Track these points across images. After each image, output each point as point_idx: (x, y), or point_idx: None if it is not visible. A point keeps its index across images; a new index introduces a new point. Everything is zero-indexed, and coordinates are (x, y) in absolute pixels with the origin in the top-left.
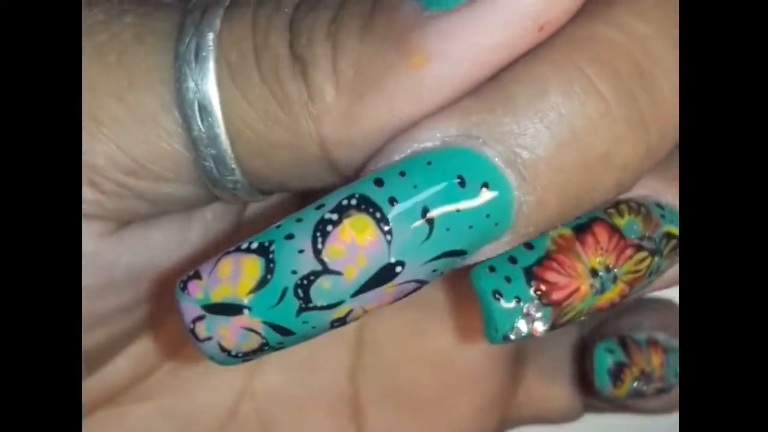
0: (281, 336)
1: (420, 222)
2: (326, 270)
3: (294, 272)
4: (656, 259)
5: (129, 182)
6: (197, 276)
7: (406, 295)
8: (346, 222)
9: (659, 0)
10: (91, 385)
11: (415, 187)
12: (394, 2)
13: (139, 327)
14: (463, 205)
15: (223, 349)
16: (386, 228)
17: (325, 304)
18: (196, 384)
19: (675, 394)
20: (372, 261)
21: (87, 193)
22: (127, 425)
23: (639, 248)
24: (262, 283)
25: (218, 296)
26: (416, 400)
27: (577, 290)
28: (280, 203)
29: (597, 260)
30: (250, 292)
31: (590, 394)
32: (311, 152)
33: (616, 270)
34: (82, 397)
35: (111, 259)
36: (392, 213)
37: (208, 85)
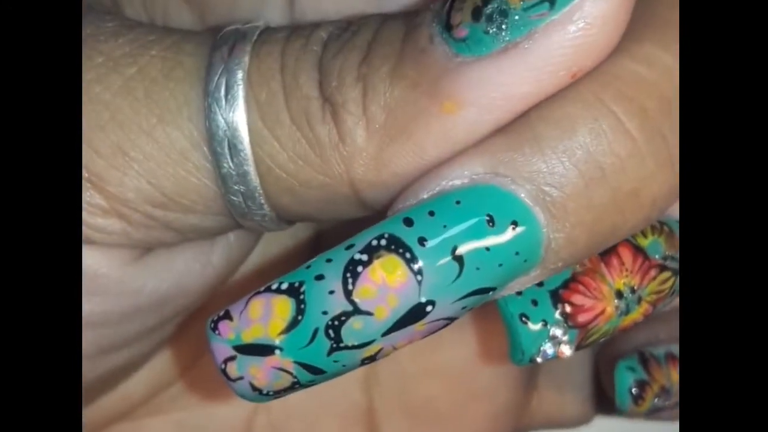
0: (312, 374)
1: (450, 262)
2: (357, 311)
3: (325, 313)
4: (677, 278)
5: (157, 214)
6: (228, 316)
7: (435, 332)
8: (377, 263)
9: None
10: (108, 401)
11: (445, 226)
12: (422, 44)
13: (159, 345)
14: (493, 243)
15: (254, 389)
16: (416, 268)
17: (356, 343)
18: (211, 398)
19: None
20: (403, 301)
21: (115, 224)
22: None
23: (663, 268)
24: (294, 323)
25: (250, 337)
26: (431, 413)
27: (602, 312)
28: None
29: (622, 282)
30: (282, 332)
31: (605, 406)
32: (341, 192)
33: (640, 291)
34: (98, 413)
35: (136, 286)
36: (422, 253)
37: (237, 123)
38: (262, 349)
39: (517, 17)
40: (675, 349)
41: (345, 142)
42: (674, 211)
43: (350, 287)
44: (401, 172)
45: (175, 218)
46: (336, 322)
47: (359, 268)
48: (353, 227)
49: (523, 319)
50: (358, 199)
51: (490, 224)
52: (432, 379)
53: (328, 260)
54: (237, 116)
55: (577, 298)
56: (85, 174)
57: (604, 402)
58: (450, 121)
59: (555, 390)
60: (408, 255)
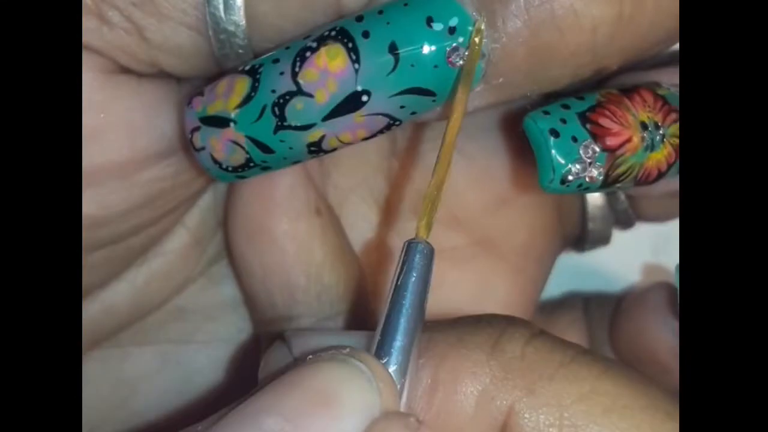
0: (262, 153)
1: (386, 55)
2: (300, 91)
3: (273, 91)
4: None
5: (135, 15)
6: (201, 93)
7: (380, 131)
8: (323, 50)
9: None
10: (93, 316)
11: (388, 23)
12: None
13: (138, 242)
14: (428, 43)
15: (214, 160)
16: (355, 57)
17: (299, 124)
18: (198, 330)
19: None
20: (341, 87)
21: (92, 22)
22: (126, 365)
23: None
24: (247, 99)
25: (212, 110)
26: None
27: (629, 140)
28: None
29: (646, 115)
30: (237, 106)
31: None
32: None
33: (663, 129)
34: (84, 329)
35: (103, 100)
36: (363, 44)
37: None
38: (220, 121)
39: None
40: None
41: None
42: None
43: (297, 69)
44: None
45: (150, 24)
46: (281, 101)
47: (308, 54)
48: None
49: (554, 134)
50: (338, 7)
51: (429, 26)
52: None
53: (287, 47)
54: None
55: (605, 121)
56: None
57: None
58: None
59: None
60: (350, 45)
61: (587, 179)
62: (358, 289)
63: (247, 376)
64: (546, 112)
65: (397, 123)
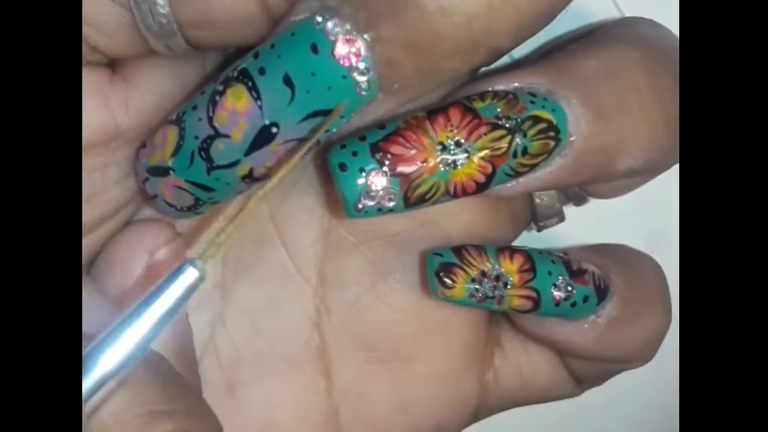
0: (205, 192)
1: (283, 87)
2: (218, 134)
3: (196, 137)
4: (518, 137)
5: None
6: (144, 145)
7: (300, 152)
8: (228, 92)
9: None
10: None
11: (279, 57)
12: None
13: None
14: (317, 68)
15: (169, 204)
16: (256, 94)
17: (225, 163)
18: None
19: (603, 322)
20: (250, 124)
21: None
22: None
23: (496, 126)
24: (178, 148)
25: (154, 160)
26: (386, 348)
27: (423, 162)
28: None
29: (445, 135)
30: (172, 155)
31: None
32: None
33: (467, 145)
34: None
35: None
36: (260, 81)
37: None
38: (162, 171)
39: None
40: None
41: None
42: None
43: (211, 114)
44: None
45: None
46: (205, 145)
47: (217, 97)
48: None
49: (341, 167)
50: None
51: (314, 52)
52: (384, 307)
53: (202, 92)
54: None
55: (396, 148)
56: None
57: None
58: None
59: (519, 348)
60: (250, 83)
61: (382, 205)
62: None
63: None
64: (342, 146)
65: (318, 142)
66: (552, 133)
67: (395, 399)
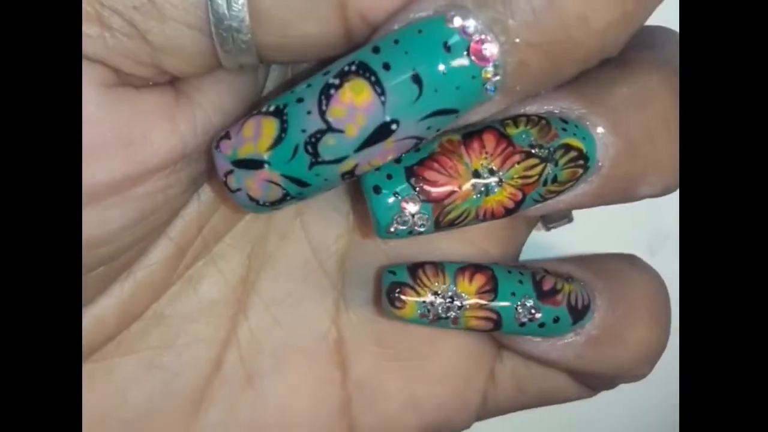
0: (299, 187)
1: (410, 84)
2: (330, 128)
3: (303, 131)
4: (549, 166)
5: (136, 18)
6: (227, 136)
7: (408, 150)
8: (346, 85)
9: None
10: (83, 332)
11: (406, 53)
12: None
13: (130, 256)
14: (449, 67)
15: (251, 199)
16: (380, 89)
17: (332, 158)
18: (179, 333)
19: (582, 340)
20: (370, 120)
21: (94, 30)
22: (114, 377)
23: (529, 155)
24: (278, 141)
25: (243, 153)
26: (403, 346)
27: (457, 189)
28: None
29: (480, 163)
30: (269, 148)
31: None
32: None
33: (501, 173)
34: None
35: (102, 116)
36: (385, 76)
37: None
38: (254, 164)
39: None
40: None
41: None
42: (561, 111)
43: (324, 108)
44: None
45: (152, 27)
46: (313, 139)
47: (332, 91)
48: None
49: (376, 190)
50: (342, 3)
51: (447, 50)
52: None
53: (308, 85)
54: None
55: (430, 174)
56: None
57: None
58: None
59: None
60: (373, 78)
61: (413, 228)
62: None
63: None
64: (377, 168)
65: (423, 140)
66: (581, 161)
67: (406, 396)
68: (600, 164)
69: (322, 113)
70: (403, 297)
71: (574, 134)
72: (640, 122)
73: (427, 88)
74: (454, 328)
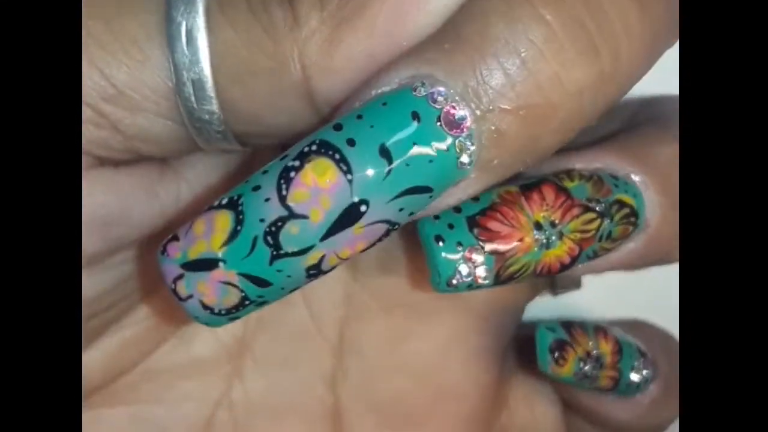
0: (259, 288)
1: (378, 158)
2: (292, 215)
3: (262, 220)
4: (606, 222)
5: (107, 110)
6: (175, 238)
7: (379, 239)
8: (308, 166)
9: None
10: None
11: (372, 126)
12: None
13: (110, 316)
14: (419, 138)
15: (205, 307)
16: (346, 168)
17: (296, 249)
18: (170, 389)
19: (647, 401)
20: (336, 202)
21: None
22: (100, 428)
23: (587, 209)
24: (234, 234)
25: (195, 253)
26: (399, 411)
27: (520, 241)
28: None
29: (542, 215)
30: (223, 244)
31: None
32: (292, 79)
33: (561, 226)
34: None
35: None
36: (350, 153)
37: (196, 12)
38: (207, 264)
39: None
40: (607, 326)
41: (299, 24)
42: (610, 169)
43: (284, 192)
44: (352, 58)
45: (123, 117)
46: (273, 228)
47: (292, 174)
48: None
49: (439, 240)
50: (308, 92)
51: (416, 120)
52: (400, 374)
53: (264, 171)
54: (195, 6)
55: (494, 225)
56: None
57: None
58: (399, 3)
59: (526, 406)
60: (337, 156)
61: (475, 281)
62: None
63: None
64: (436, 216)
65: (396, 227)
66: (633, 219)
67: None
68: (648, 223)
69: (283, 198)
70: (565, 354)
71: (626, 191)
72: None
73: (397, 162)
74: (588, 387)
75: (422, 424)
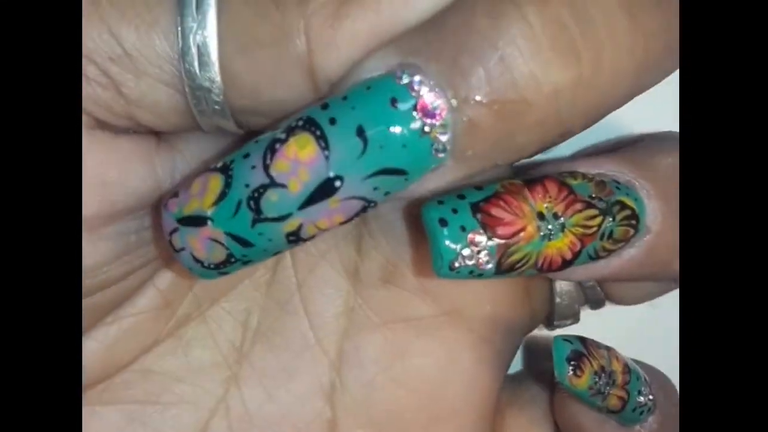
0: (242, 247)
1: (355, 139)
2: (273, 183)
3: (247, 185)
4: (608, 220)
5: (112, 70)
6: (175, 194)
7: (356, 215)
8: (292, 140)
9: None
10: None
11: (353, 108)
12: None
13: (107, 302)
14: (394, 123)
15: (196, 260)
16: (324, 144)
17: (275, 215)
18: (166, 391)
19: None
20: (313, 175)
21: None
22: (92, 426)
23: (589, 205)
24: (222, 196)
25: (188, 210)
26: (396, 428)
27: (522, 229)
28: None
29: (545, 206)
30: (213, 204)
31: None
32: (296, 51)
33: (563, 219)
34: None
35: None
36: (330, 131)
37: None
38: (197, 221)
39: None
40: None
41: None
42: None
43: (268, 162)
44: (356, 34)
45: (127, 80)
46: (256, 194)
47: (277, 145)
48: None
49: (442, 223)
50: (310, 66)
51: (393, 106)
52: (399, 389)
53: (256, 141)
54: None
55: (497, 211)
56: None
57: None
58: None
59: (524, 423)
60: (318, 132)
61: (477, 267)
62: None
63: None
64: (440, 202)
65: (372, 205)
66: (634, 222)
67: None
68: (648, 229)
69: (266, 167)
70: (583, 366)
71: (627, 194)
72: None
73: (372, 143)
74: (598, 405)
75: None
